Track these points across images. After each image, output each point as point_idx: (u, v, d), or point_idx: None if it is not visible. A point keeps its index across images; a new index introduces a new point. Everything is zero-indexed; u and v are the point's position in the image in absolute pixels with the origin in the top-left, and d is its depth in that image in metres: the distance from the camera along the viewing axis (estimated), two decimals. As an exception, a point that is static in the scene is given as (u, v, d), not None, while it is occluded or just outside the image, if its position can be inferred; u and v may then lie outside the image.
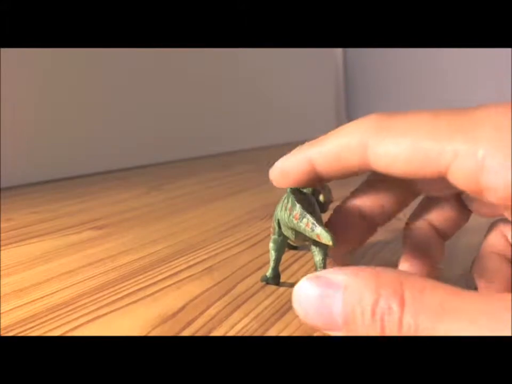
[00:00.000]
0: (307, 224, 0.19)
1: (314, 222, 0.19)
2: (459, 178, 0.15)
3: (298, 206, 0.20)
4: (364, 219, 0.21)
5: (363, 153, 0.17)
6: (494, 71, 1.20)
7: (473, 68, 1.24)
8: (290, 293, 0.23)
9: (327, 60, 1.35)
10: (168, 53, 0.78)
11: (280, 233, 0.23)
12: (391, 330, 0.13)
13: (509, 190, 0.13)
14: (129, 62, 0.72)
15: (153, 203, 0.45)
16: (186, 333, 0.19)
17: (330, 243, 0.18)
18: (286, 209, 0.21)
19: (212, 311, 0.21)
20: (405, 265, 0.21)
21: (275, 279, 0.24)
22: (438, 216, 0.21)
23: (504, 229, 0.20)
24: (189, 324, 0.20)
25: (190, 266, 0.27)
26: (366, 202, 0.21)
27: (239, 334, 0.19)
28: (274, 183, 0.21)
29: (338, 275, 0.15)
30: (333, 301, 0.14)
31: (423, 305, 0.13)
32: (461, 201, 0.21)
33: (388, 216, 0.21)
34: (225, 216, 0.39)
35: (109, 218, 0.39)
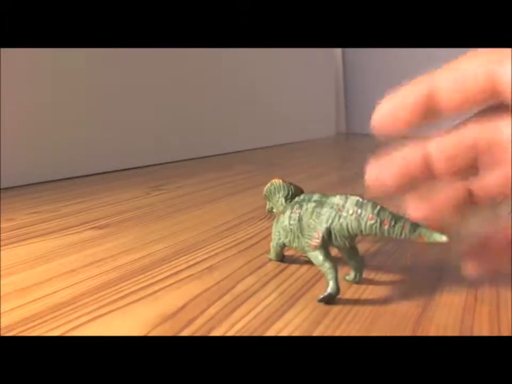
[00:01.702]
0: (404, 227, 0.19)
1: (414, 223, 0.19)
2: None
3: (388, 211, 0.20)
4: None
5: (490, 77, 0.16)
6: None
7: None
8: (290, 292, 0.23)
9: (327, 60, 1.35)
10: (168, 53, 0.78)
11: (327, 244, 0.22)
12: None
13: None
14: (130, 62, 0.72)
15: (154, 203, 0.46)
16: (186, 331, 0.19)
17: (444, 239, 0.19)
18: (347, 218, 0.21)
19: (212, 310, 0.21)
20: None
21: (338, 292, 0.22)
22: (480, 187, 0.19)
23: None
24: (189, 323, 0.20)
25: (190, 266, 0.27)
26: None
27: (239, 333, 0.19)
28: (378, 130, 0.19)
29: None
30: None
31: None
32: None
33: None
34: (225, 216, 0.39)
35: (109, 218, 0.39)
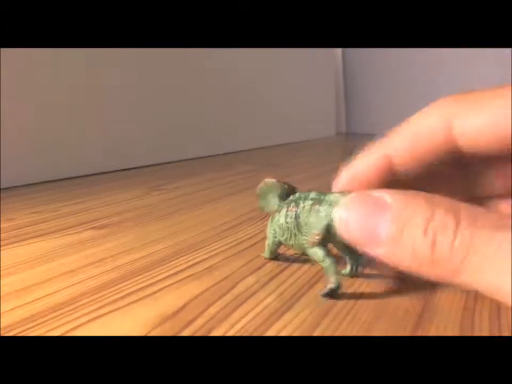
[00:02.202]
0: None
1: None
2: None
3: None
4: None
5: (447, 130, 0.16)
6: (493, 71, 1.20)
7: (473, 68, 1.24)
8: (290, 292, 0.23)
9: (327, 60, 1.35)
10: (168, 53, 0.78)
11: (327, 240, 0.22)
12: (442, 245, 0.13)
13: None
14: (130, 63, 0.72)
15: (153, 203, 0.46)
16: (186, 332, 0.19)
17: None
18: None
19: (212, 310, 0.21)
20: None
21: (340, 286, 0.22)
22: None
23: None
24: (189, 323, 0.20)
25: (190, 266, 0.27)
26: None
27: (239, 333, 0.19)
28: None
29: (386, 194, 0.15)
30: (379, 218, 0.14)
31: (479, 220, 0.13)
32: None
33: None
34: (225, 216, 0.39)
35: (109, 218, 0.39)
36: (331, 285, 0.21)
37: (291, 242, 0.23)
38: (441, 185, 0.20)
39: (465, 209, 0.13)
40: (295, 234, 0.23)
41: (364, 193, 0.15)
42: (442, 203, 0.14)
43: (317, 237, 0.21)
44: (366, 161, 0.18)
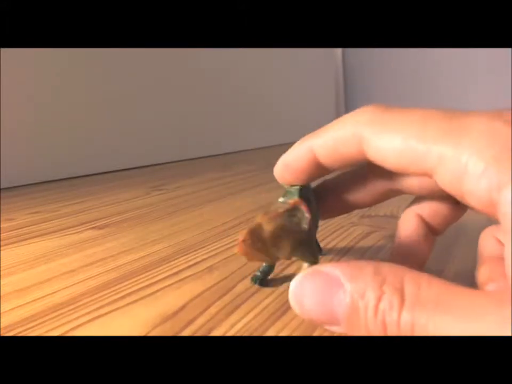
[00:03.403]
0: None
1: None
2: (444, 181, 0.15)
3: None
4: (342, 199, 0.22)
5: (358, 145, 0.17)
6: (493, 71, 1.20)
7: (472, 68, 1.24)
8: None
9: (327, 60, 1.35)
10: (168, 53, 0.78)
11: None
12: (392, 329, 0.14)
13: (488, 196, 0.13)
14: (130, 62, 0.72)
15: (153, 203, 0.46)
16: (186, 332, 0.19)
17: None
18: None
19: (212, 310, 0.21)
20: (395, 258, 0.21)
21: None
22: (430, 210, 0.21)
23: (495, 231, 0.20)
24: (189, 323, 0.20)
25: (190, 266, 0.27)
26: (351, 183, 0.22)
27: (239, 333, 0.19)
28: (280, 180, 0.21)
29: (338, 270, 0.15)
30: (334, 297, 0.14)
31: (419, 301, 0.13)
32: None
33: (366, 202, 0.22)
34: (225, 216, 0.39)
35: (109, 218, 0.39)
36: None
37: None
38: (361, 179, 0.21)
39: (409, 285, 0.14)
40: None
41: (316, 269, 0.15)
42: (390, 278, 0.14)
43: None
44: (296, 153, 0.19)
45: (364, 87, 1.42)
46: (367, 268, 0.14)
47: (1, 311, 0.22)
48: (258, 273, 0.24)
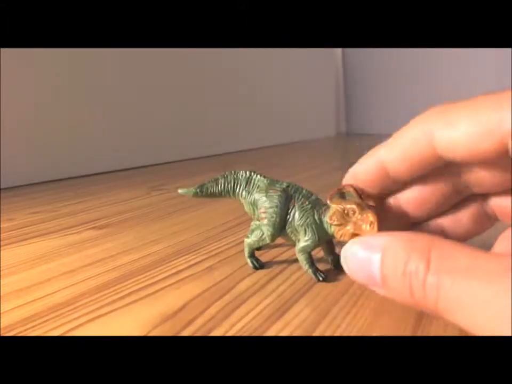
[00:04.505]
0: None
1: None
2: None
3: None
4: (402, 213, 0.21)
5: (429, 142, 0.17)
6: (493, 71, 1.20)
7: (473, 68, 1.24)
8: (290, 293, 0.23)
9: (327, 60, 1.35)
10: (168, 53, 0.78)
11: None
12: (418, 291, 0.14)
13: None
14: (130, 62, 0.72)
15: (154, 203, 0.46)
16: (186, 332, 0.19)
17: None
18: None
19: (212, 310, 0.21)
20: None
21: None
22: (452, 221, 0.21)
23: None
24: (189, 323, 0.20)
25: (190, 266, 0.27)
26: (408, 195, 0.21)
27: (239, 333, 0.19)
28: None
29: (378, 238, 0.16)
30: (372, 262, 0.16)
31: (445, 265, 0.14)
32: (484, 209, 0.21)
33: (425, 212, 0.21)
34: (225, 216, 0.39)
35: (109, 218, 0.39)
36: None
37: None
38: (434, 186, 0.21)
39: (436, 250, 0.14)
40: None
41: (361, 239, 0.17)
42: (418, 245, 0.15)
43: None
44: (365, 166, 0.20)
45: (364, 87, 1.42)
46: (402, 237, 0.16)
47: (1, 311, 0.22)
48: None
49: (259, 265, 0.26)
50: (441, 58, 1.27)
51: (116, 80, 0.71)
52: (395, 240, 0.16)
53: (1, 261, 0.29)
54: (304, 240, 0.23)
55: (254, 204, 0.24)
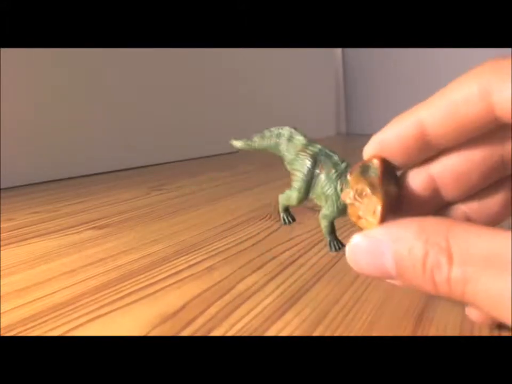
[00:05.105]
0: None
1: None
2: None
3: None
4: (432, 191, 0.18)
5: (486, 100, 0.15)
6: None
7: (473, 68, 1.24)
8: (290, 292, 0.23)
9: (327, 60, 1.35)
10: (168, 53, 0.78)
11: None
12: (443, 286, 0.14)
13: None
14: (130, 63, 0.72)
15: (154, 203, 0.46)
16: (186, 332, 0.19)
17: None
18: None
19: (212, 310, 0.21)
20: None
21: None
22: (478, 205, 0.19)
23: None
24: (189, 323, 0.20)
25: (190, 266, 0.27)
26: (446, 167, 0.18)
27: (239, 333, 0.19)
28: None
29: (384, 232, 0.15)
30: (383, 257, 0.15)
31: (469, 256, 0.13)
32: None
33: (462, 191, 0.18)
34: (225, 216, 0.39)
35: (109, 218, 0.39)
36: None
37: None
38: (481, 156, 0.17)
39: (457, 240, 0.13)
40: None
41: (365, 234, 0.16)
42: (433, 235, 0.14)
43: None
44: (397, 130, 0.17)
45: (364, 87, 1.42)
46: (411, 226, 0.14)
47: (1, 311, 0.22)
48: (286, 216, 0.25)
49: (289, 221, 0.25)
50: (441, 58, 1.27)
51: (115, 80, 0.71)
52: (406, 231, 0.14)
53: (1, 261, 0.29)
54: (325, 209, 0.22)
55: (290, 164, 0.24)
